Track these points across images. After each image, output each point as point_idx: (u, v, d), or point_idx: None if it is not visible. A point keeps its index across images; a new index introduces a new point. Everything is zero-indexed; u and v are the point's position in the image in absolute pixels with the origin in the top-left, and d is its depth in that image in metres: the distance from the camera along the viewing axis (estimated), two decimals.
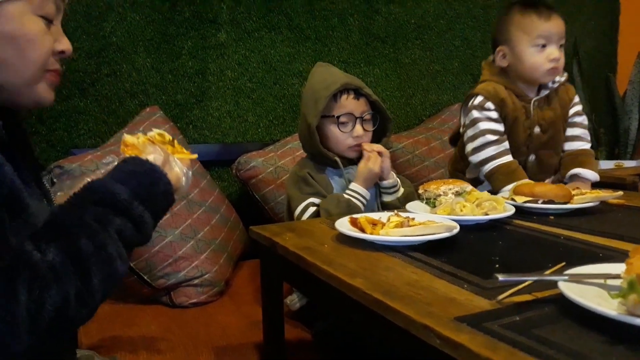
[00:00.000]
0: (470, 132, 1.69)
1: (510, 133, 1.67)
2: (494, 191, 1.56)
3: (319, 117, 1.54)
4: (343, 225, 1.11)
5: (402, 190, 1.61)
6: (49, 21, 0.88)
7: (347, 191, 1.52)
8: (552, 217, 1.30)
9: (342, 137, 1.57)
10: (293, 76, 2.37)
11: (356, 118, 1.56)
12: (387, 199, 1.60)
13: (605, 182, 1.93)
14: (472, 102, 1.70)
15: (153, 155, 0.89)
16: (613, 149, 3.08)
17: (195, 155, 0.99)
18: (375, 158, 1.52)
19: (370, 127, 1.60)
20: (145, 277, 1.67)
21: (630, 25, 3.26)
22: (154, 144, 0.92)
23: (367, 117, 1.59)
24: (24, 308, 0.64)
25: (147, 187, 0.84)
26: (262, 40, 2.29)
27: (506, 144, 1.65)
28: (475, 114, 1.68)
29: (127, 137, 0.90)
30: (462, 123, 1.76)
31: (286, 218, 1.64)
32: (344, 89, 1.55)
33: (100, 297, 0.76)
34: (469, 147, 1.69)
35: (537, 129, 1.69)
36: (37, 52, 0.86)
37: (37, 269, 0.68)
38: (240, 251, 2.01)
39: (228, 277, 1.83)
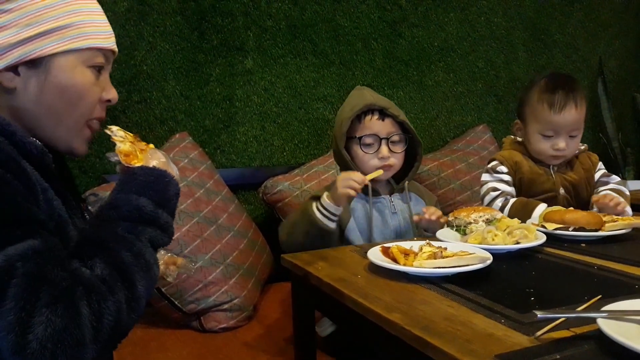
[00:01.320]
0: (481, 193, 1.72)
1: (528, 194, 1.67)
2: None
3: (343, 139, 1.54)
4: (375, 255, 1.12)
5: None
6: (98, 71, 0.93)
7: (318, 205, 1.44)
8: (583, 245, 1.30)
9: (366, 158, 1.55)
10: (318, 100, 2.40)
11: (381, 139, 1.55)
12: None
13: (634, 205, 1.91)
14: (487, 166, 1.74)
15: (156, 161, 0.94)
16: None
17: (152, 145, 1.02)
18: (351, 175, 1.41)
19: (398, 149, 1.57)
20: (176, 302, 1.69)
21: None
22: (152, 148, 0.97)
23: (395, 138, 1.56)
24: (87, 320, 0.70)
25: (162, 192, 0.90)
26: (288, 66, 2.33)
27: (512, 198, 1.65)
28: (486, 176, 1.72)
29: (123, 148, 0.93)
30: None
31: None
32: (368, 110, 1.54)
33: (144, 302, 0.82)
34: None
35: (562, 191, 1.68)
36: (84, 103, 0.93)
37: (91, 284, 0.74)
38: (267, 275, 2.02)
39: (256, 302, 1.85)
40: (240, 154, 2.27)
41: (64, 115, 0.91)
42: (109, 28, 0.96)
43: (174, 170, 0.97)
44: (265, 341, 1.61)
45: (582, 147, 1.75)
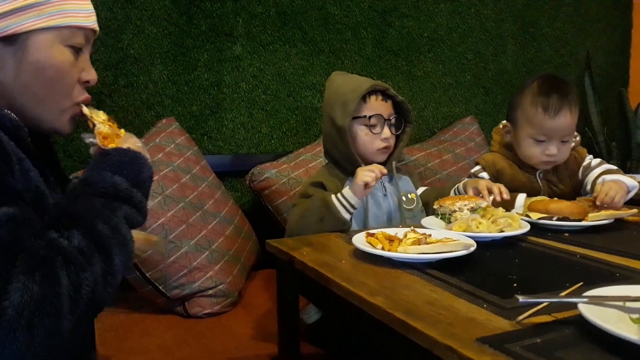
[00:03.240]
0: None
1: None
2: None
3: (349, 118, 1.50)
4: (360, 241, 1.12)
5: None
6: (77, 51, 0.91)
7: (338, 195, 1.42)
8: (567, 234, 1.31)
9: (371, 138, 1.53)
10: (306, 88, 2.39)
11: (385, 120, 1.54)
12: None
13: None
14: (470, 170, 1.72)
15: (131, 145, 0.94)
16: (625, 163, 3.07)
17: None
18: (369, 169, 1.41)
19: (395, 131, 1.57)
20: (161, 287, 1.68)
21: None
22: (115, 129, 0.96)
23: (394, 120, 1.56)
24: (65, 290, 0.70)
25: (136, 173, 0.90)
26: (277, 53, 2.32)
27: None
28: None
29: (103, 129, 0.93)
30: None
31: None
32: (372, 91, 1.54)
33: (120, 276, 0.81)
34: None
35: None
36: (63, 82, 0.90)
37: (69, 254, 0.73)
38: (253, 262, 2.02)
39: (241, 288, 1.84)
40: (227, 141, 2.25)
41: (43, 95, 0.89)
42: (90, 6, 0.94)
43: (147, 154, 0.96)
44: (250, 327, 1.61)
45: (575, 142, 1.70)
